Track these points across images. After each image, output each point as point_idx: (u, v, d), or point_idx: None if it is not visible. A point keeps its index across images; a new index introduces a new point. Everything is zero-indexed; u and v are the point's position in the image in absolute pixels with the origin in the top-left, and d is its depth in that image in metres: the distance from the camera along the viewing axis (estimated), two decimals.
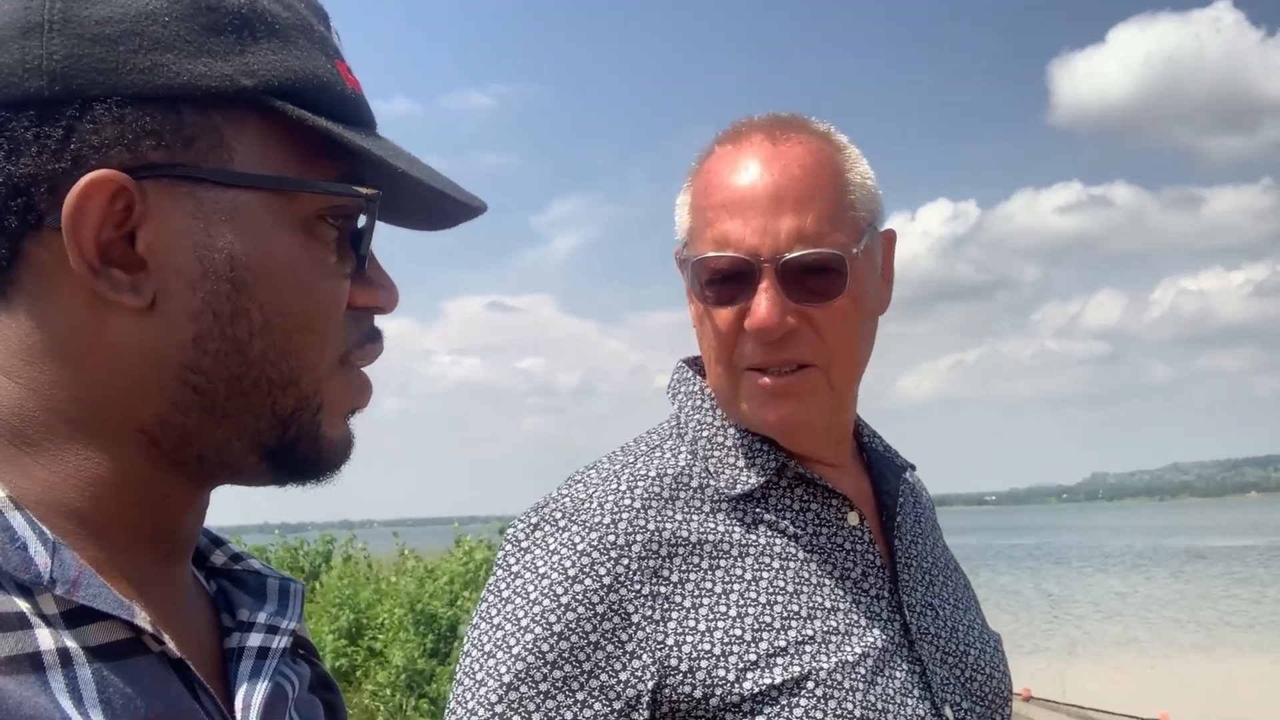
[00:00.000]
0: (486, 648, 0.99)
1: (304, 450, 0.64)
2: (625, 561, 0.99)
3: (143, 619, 0.57)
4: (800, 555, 1.07)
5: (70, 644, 0.54)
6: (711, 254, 1.07)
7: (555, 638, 0.96)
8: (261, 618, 0.68)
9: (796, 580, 1.05)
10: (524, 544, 1.04)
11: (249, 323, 0.60)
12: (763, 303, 1.04)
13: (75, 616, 0.55)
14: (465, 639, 1.04)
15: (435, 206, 0.69)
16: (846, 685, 1.00)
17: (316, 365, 0.63)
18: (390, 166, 0.63)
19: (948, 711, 1.08)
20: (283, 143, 0.62)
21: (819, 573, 1.07)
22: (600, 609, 0.97)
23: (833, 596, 1.06)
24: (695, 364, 1.19)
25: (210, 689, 0.61)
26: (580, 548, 1.00)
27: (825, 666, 1.00)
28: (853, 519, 1.11)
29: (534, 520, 1.05)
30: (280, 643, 0.68)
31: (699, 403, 1.14)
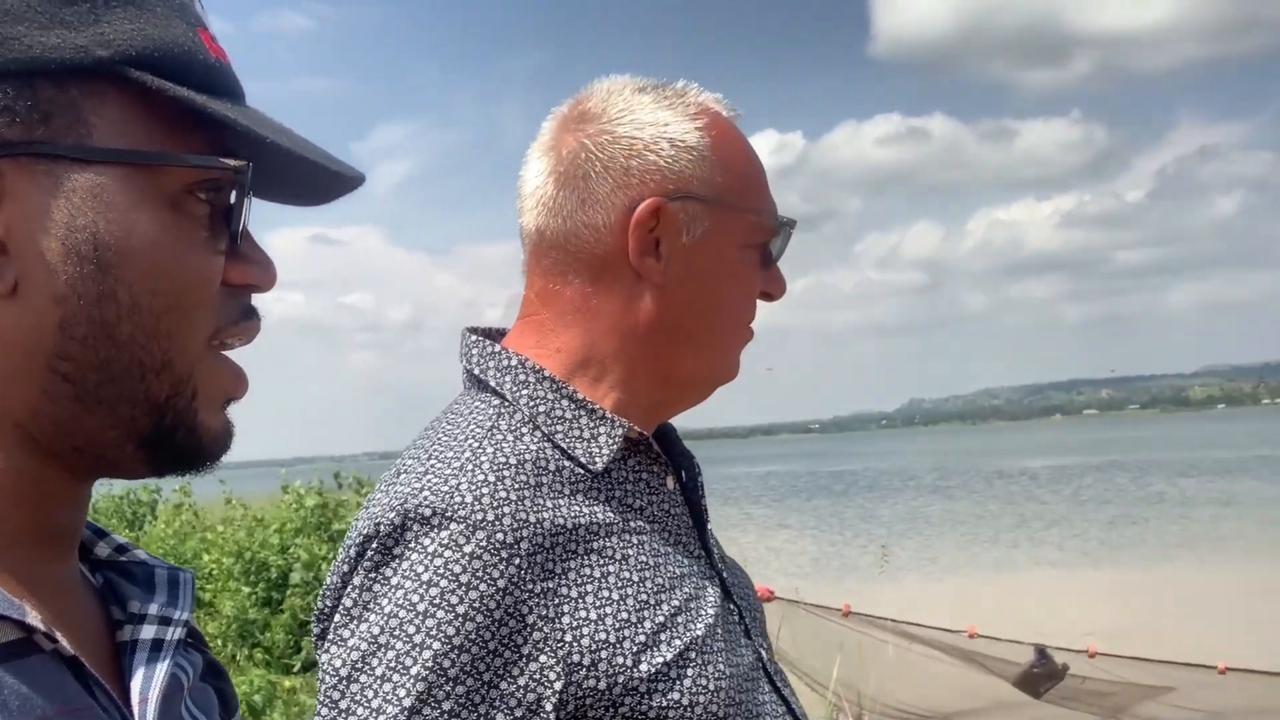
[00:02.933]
0: (378, 671, 0.91)
1: (182, 439, 0.63)
2: (517, 561, 0.95)
3: (34, 618, 0.57)
4: (647, 526, 1.07)
5: None
6: (788, 219, 1.14)
7: (456, 651, 0.91)
8: (153, 609, 0.67)
9: (653, 552, 1.05)
10: (395, 549, 0.95)
11: (116, 305, 0.59)
12: (779, 271, 1.16)
13: None
14: (336, 661, 0.94)
15: (310, 179, 0.68)
16: (715, 647, 1.03)
17: (188, 347, 0.62)
18: (259, 136, 0.62)
19: (762, 652, 1.13)
20: (144, 115, 0.60)
21: (664, 541, 1.08)
22: (497, 614, 0.93)
23: (679, 564, 1.07)
24: (484, 333, 1.15)
25: (105, 684, 0.60)
26: (468, 550, 0.94)
27: (699, 634, 1.02)
28: (670, 483, 1.12)
29: (395, 520, 0.96)
30: (174, 634, 0.67)
31: (522, 375, 1.07)
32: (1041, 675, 7.02)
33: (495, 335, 1.14)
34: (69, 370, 0.59)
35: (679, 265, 1.07)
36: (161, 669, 0.64)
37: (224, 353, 0.66)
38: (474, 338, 1.12)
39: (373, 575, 0.95)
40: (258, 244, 0.67)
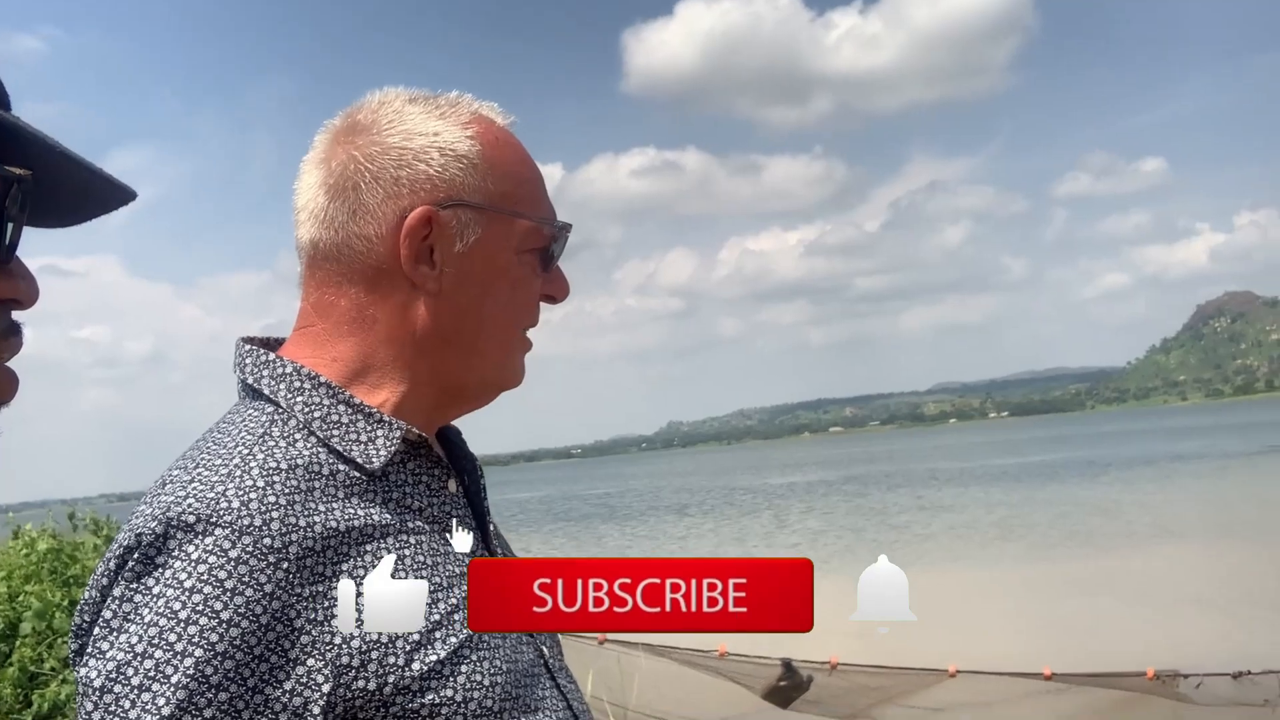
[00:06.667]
0: (135, 680, 0.88)
1: None
2: (285, 565, 0.93)
3: None
4: (426, 528, 1.07)
5: None
6: (564, 223, 1.16)
7: (220, 658, 0.89)
8: None
9: (430, 553, 1.05)
10: (157, 558, 0.92)
11: None
12: (563, 273, 1.19)
13: None
14: (92, 674, 0.91)
15: (81, 194, 0.67)
16: (492, 644, 1.04)
17: None
18: (48, 145, 0.61)
19: (544, 650, 1.16)
20: None
21: (442, 543, 1.08)
22: (264, 620, 0.91)
23: (459, 563, 1.07)
24: (260, 343, 1.14)
25: None
26: (234, 555, 0.91)
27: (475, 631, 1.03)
28: (452, 486, 1.13)
29: (157, 530, 0.93)
30: None
31: (297, 382, 1.07)
32: (788, 688, 7.43)
33: (271, 345, 1.14)
34: None
35: (453, 273, 1.09)
36: None
37: None
38: (248, 347, 1.12)
39: (134, 586, 0.92)
40: (20, 260, 0.65)
